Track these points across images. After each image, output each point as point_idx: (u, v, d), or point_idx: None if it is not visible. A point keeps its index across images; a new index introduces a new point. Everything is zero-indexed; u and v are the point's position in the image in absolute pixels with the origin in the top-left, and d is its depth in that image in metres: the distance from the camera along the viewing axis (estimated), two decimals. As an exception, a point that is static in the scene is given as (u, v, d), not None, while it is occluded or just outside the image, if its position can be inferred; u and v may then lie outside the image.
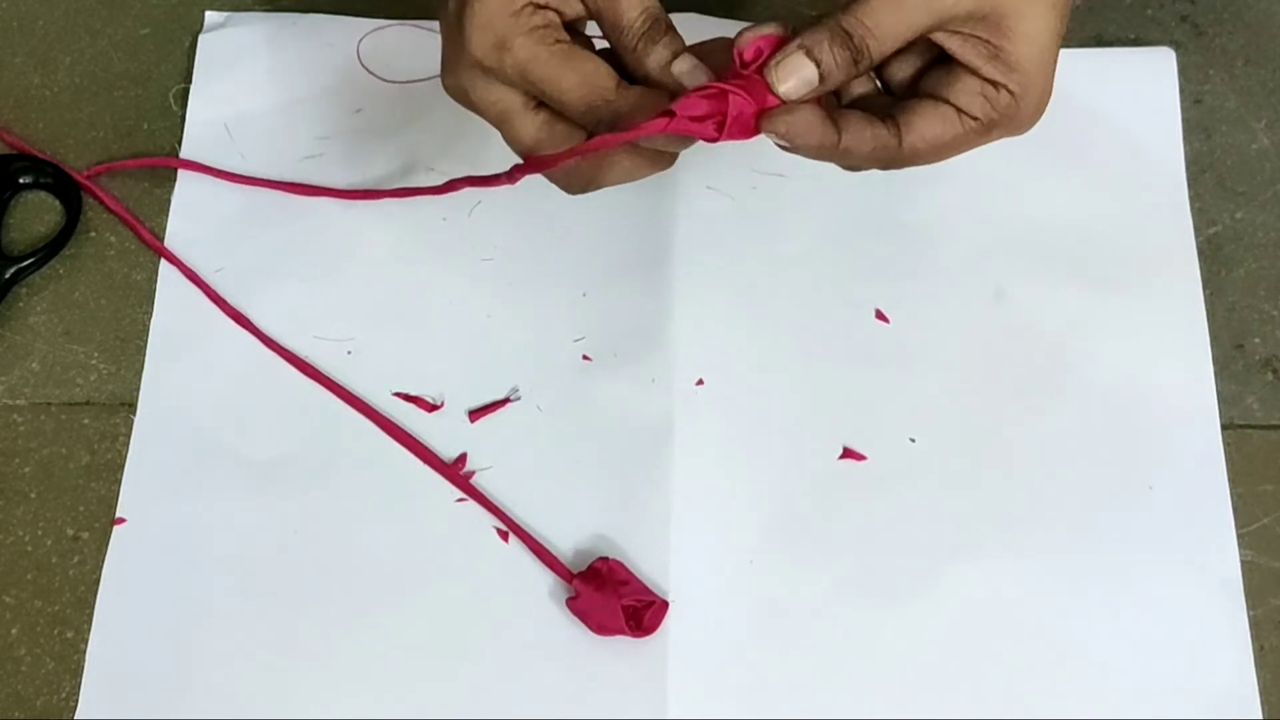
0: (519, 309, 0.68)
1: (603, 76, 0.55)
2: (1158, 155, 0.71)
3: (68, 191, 0.70)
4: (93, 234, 0.70)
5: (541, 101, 0.56)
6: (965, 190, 0.69)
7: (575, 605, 0.61)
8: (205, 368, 0.67)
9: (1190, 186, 0.70)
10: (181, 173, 0.71)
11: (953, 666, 0.60)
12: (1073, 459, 0.64)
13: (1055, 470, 0.64)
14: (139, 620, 0.61)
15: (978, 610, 0.61)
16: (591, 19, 0.56)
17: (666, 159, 0.56)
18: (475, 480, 0.64)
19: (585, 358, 0.67)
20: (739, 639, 0.61)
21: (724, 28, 0.72)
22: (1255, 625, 0.61)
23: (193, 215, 0.70)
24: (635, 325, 0.67)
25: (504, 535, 0.63)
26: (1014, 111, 0.55)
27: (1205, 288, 0.68)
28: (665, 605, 0.61)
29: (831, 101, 0.57)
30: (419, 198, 0.68)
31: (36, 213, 0.71)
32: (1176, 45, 0.74)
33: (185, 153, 0.72)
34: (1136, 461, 0.64)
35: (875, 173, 0.57)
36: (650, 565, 0.62)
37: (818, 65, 0.53)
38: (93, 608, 0.62)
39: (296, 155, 0.71)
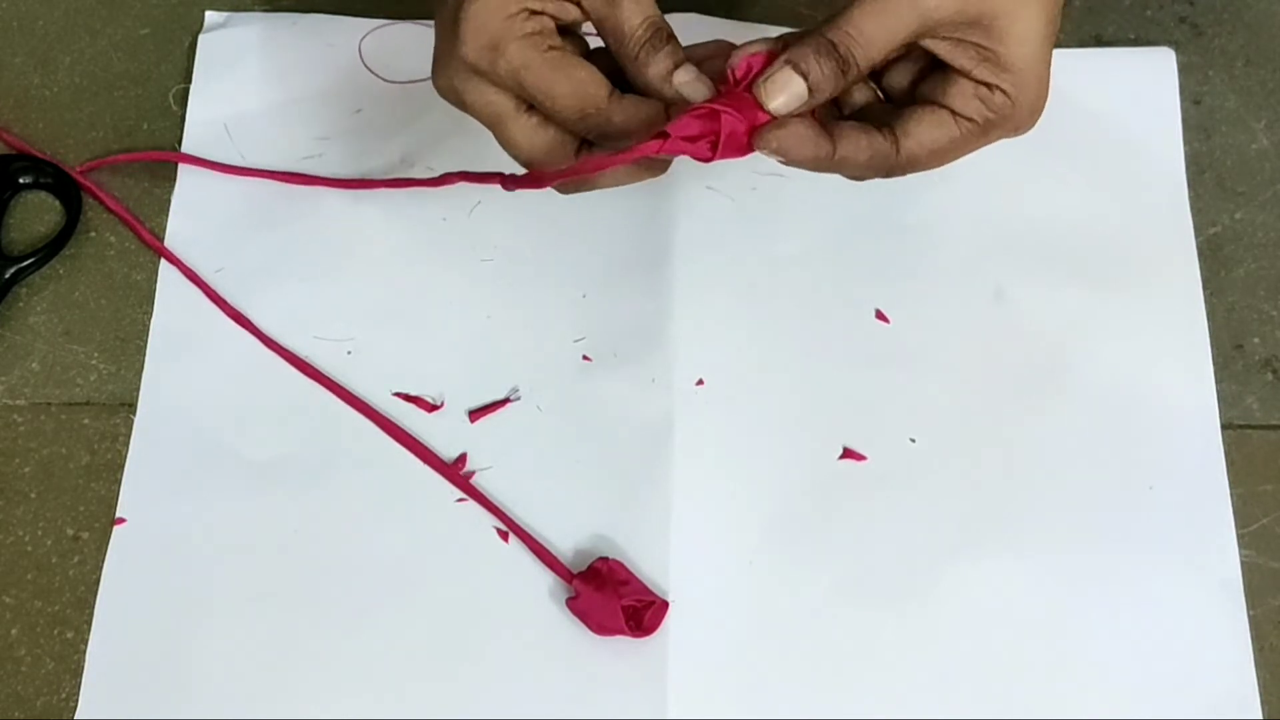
0: (519, 309, 0.68)
1: (595, 85, 0.55)
2: (1158, 155, 0.71)
3: (68, 191, 0.70)
4: (93, 234, 0.70)
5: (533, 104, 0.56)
6: (965, 190, 0.69)
7: (575, 605, 0.61)
8: (205, 368, 0.67)
9: (1190, 186, 0.70)
10: (181, 173, 0.71)
11: (953, 666, 0.60)
12: (1073, 459, 0.64)
13: (1055, 470, 0.64)
14: (139, 620, 0.61)
15: (978, 610, 0.61)
16: (590, 24, 0.56)
17: (660, 165, 0.57)
18: (475, 480, 0.64)
19: (585, 358, 0.67)
20: (739, 639, 0.61)
21: (724, 28, 0.72)
22: (1255, 625, 0.61)
23: (193, 215, 0.70)
24: (635, 325, 0.67)
25: (504, 535, 0.63)
26: (1010, 112, 0.55)
27: (1205, 288, 0.68)
28: (665, 605, 0.61)
29: (832, 113, 0.58)
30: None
31: (36, 213, 0.71)
32: (1176, 45, 0.74)
33: (185, 152, 0.72)
34: (1136, 461, 0.64)
35: (875, 173, 0.57)
36: (650, 565, 0.62)
37: (805, 78, 0.54)
38: (93, 608, 0.62)
39: (296, 155, 0.71)
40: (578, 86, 0.55)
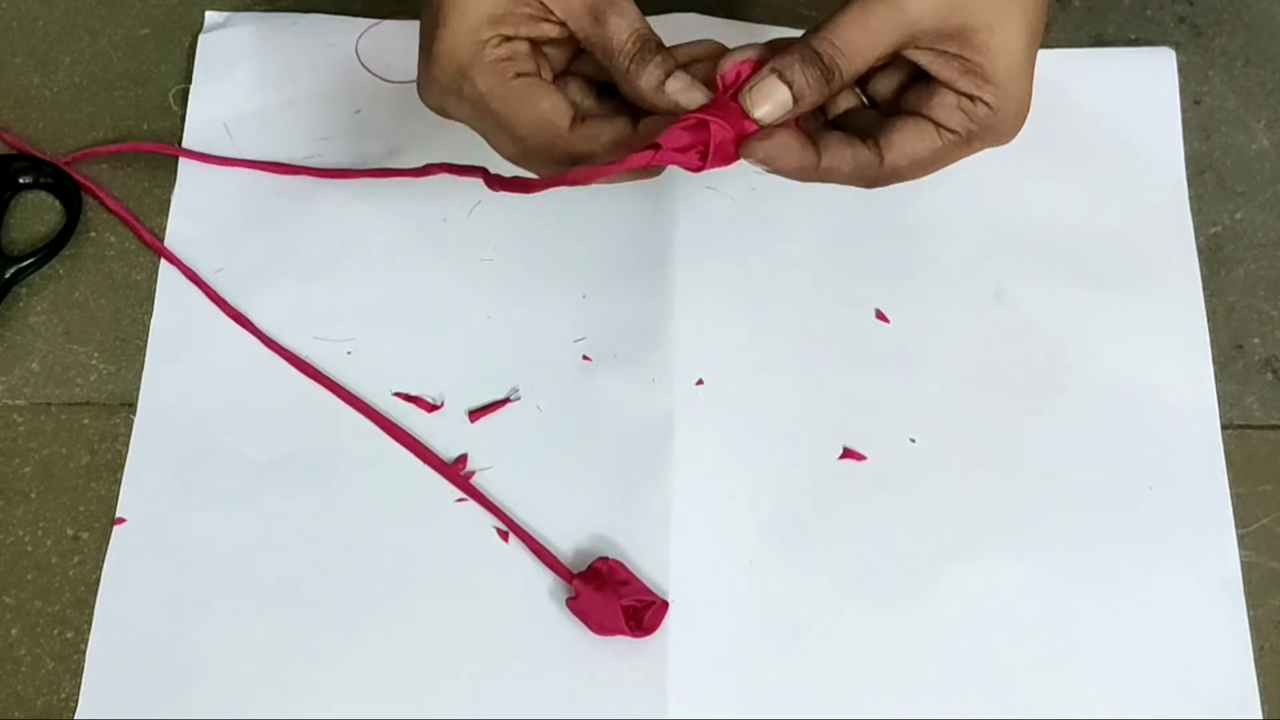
0: (519, 309, 0.68)
1: (558, 114, 0.56)
2: (1158, 155, 0.71)
3: (68, 191, 0.70)
4: (93, 234, 0.70)
5: None
6: (965, 190, 0.69)
7: (575, 605, 0.61)
8: (205, 368, 0.67)
9: (1190, 186, 0.70)
10: (181, 173, 0.71)
11: (953, 666, 0.60)
12: (1073, 459, 0.64)
13: (1055, 470, 0.64)
14: (139, 620, 0.61)
15: (977, 610, 0.61)
16: (573, 38, 0.56)
17: (653, 169, 0.57)
18: (475, 480, 0.64)
19: (585, 358, 0.67)
20: (739, 639, 0.61)
21: (724, 28, 0.72)
22: (1255, 625, 0.61)
23: (193, 215, 0.70)
24: (635, 325, 0.67)
25: (504, 535, 0.63)
26: (992, 123, 0.55)
27: (1205, 288, 0.68)
28: (665, 605, 0.61)
29: (817, 119, 0.58)
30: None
31: (36, 213, 0.71)
32: (1176, 45, 0.74)
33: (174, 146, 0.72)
34: (1136, 461, 0.64)
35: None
36: (650, 565, 0.62)
37: (790, 87, 0.54)
38: (93, 608, 0.62)
39: (296, 155, 0.71)
40: (540, 116, 0.55)
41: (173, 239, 0.70)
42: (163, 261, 0.69)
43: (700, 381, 0.66)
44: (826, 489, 0.64)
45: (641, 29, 0.55)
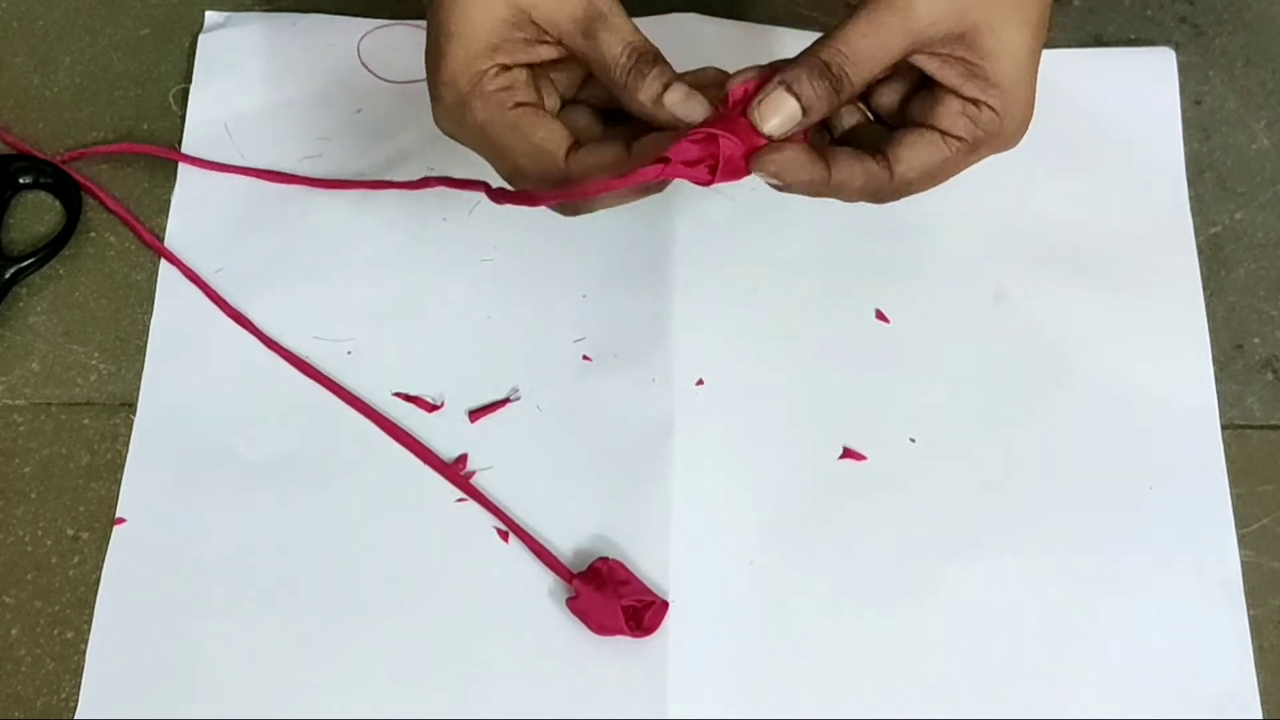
0: (519, 309, 0.68)
1: (553, 143, 0.56)
2: (1158, 155, 0.71)
3: (68, 191, 0.70)
4: (93, 234, 0.70)
5: None
6: (965, 190, 0.69)
7: (575, 605, 0.61)
8: (205, 368, 0.67)
9: (1190, 186, 0.70)
10: (181, 173, 0.71)
11: (953, 666, 0.60)
12: (1072, 459, 0.64)
13: (1055, 470, 0.64)
14: (139, 620, 0.61)
15: (978, 610, 0.61)
16: (574, 58, 0.56)
17: (656, 185, 0.57)
18: (475, 480, 0.64)
19: (585, 358, 0.67)
20: (739, 639, 0.61)
21: (724, 28, 0.72)
22: (1255, 625, 0.61)
23: (193, 215, 0.70)
24: (635, 325, 0.67)
25: (504, 535, 0.63)
26: (997, 128, 0.55)
27: (1205, 288, 0.68)
28: (665, 605, 0.61)
29: (823, 136, 0.58)
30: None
31: (36, 213, 0.71)
32: (1176, 46, 0.74)
33: (185, 152, 0.72)
34: (1136, 461, 0.64)
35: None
36: (650, 565, 0.62)
37: (799, 99, 0.54)
38: (93, 608, 0.62)
39: (296, 155, 0.71)
40: (536, 146, 0.55)
41: (173, 239, 0.70)
42: (163, 261, 0.69)
43: (700, 381, 0.66)
44: (826, 489, 0.64)
45: (635, 41, 0.55)
